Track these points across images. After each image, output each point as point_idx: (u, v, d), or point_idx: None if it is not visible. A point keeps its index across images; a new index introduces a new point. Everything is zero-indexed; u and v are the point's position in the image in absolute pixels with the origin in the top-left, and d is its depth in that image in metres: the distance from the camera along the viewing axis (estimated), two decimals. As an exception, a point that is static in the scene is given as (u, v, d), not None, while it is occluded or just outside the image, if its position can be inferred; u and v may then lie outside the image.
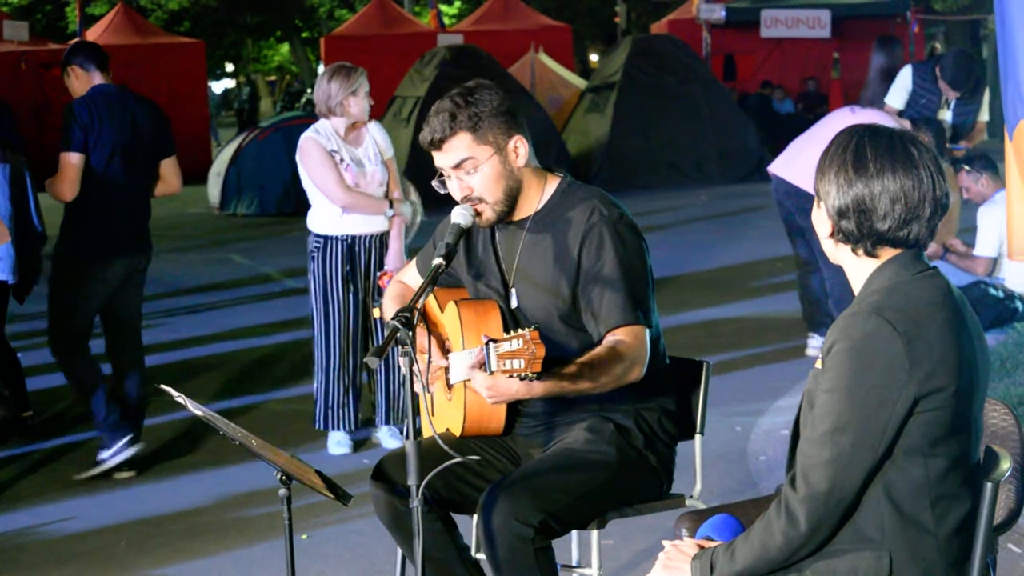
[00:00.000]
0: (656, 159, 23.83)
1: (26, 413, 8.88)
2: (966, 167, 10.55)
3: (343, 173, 7.94)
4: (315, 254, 8.12)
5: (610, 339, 4.44)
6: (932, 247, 10.33)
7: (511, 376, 3.95)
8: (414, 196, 8.44)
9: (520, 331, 3.92)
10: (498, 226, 4.74)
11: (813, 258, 9.86)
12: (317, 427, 8.29)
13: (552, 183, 4.70)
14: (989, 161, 10.45)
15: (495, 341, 3.96)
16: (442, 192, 4.66)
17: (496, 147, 4.55)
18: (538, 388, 4.19)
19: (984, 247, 10.27)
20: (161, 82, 29.23)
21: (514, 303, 4.68)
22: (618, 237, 4.52)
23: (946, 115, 11.37)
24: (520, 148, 4.59)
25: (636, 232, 4.60)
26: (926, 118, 10.78)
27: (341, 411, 8.19)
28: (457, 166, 4.55)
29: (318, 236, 8.13)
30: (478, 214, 4.59)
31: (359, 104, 7.99)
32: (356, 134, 8.12)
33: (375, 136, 8.17)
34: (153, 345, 11.74)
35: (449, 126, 4.51)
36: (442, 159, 4.57)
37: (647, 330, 4.48)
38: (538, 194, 4.67)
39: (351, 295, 8.10)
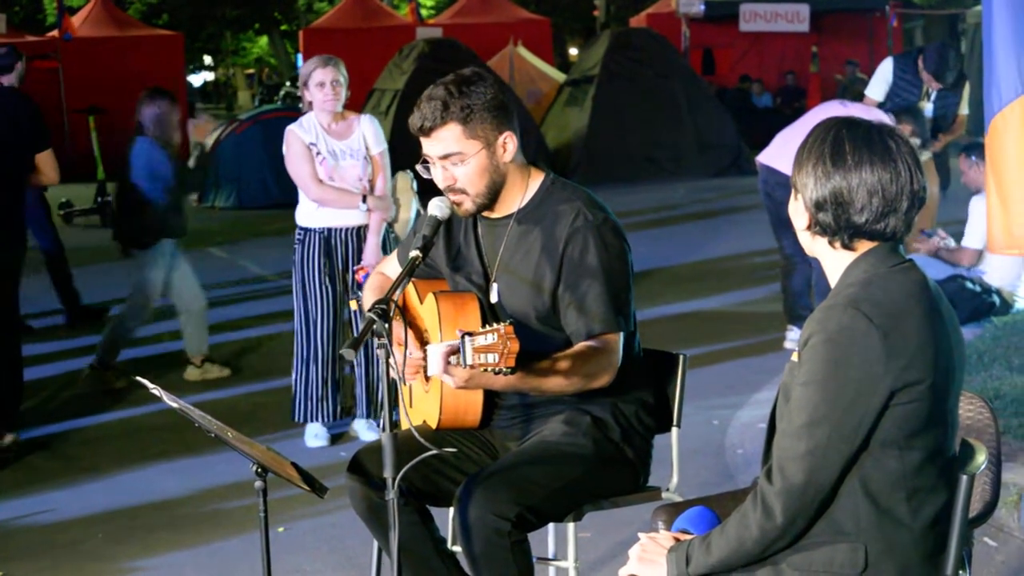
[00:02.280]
0: (634, 152, 23.83)
1: None
2: (965, 152, 10.60)
3: (317, 166, 7.96)
4: (296, 247, 8.16)
5: (584, 344, 4.44)
6: (926, 244, 10.39)
7: (485, 370, 3.95)
8: (410, 193, 8.44)
9: (495, 325, 3.91)
10: (481, 220, 4.73)
11: (798, 250, 9.84)
12: (295, 419, 8.28)
13: (536, 179, 4.69)
14: None
15: (471, 335, 3.96)
16: (425, 176, 4.64)
17: (485, 142, 4.52)
18: (504, 380, 4.16)
19: (972, 238, 10.28)
20: (139, 74, 29.13)
21: (494, 298, 4.66)
22: (601, 241, 4.51)
23: (927, 107, 11.39)
24: (508, 144, 4.57)
25: (619, 235, 4.59)
26: (907, 108, 10.80)
27: (320, 404, 8.19)
28: (444, 157, 4.54)
29: (300, 229, 8.18)
30: (458, 204, 4.58)
31: (313, 94, 8.01)
32: (345, 126, 8.11)
33: (364, 130, 8.16)
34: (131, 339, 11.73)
35: (440, 115, 4.48)
36: (430, 147, 4.55)
37: (622, 336, 4.48)
38: (522, 190, 4.66)
39: (329, 287, 8.10)
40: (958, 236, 10.58)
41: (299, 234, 8.16)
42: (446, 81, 4.54)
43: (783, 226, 10.01)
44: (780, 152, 9.92)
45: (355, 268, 8.03)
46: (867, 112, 9.90)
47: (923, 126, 10.46)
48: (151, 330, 12.11)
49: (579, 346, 4.43)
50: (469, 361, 3.92)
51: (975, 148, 10.61)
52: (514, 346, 3.88)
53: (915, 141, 9.87)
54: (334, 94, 7.97)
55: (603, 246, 4.50)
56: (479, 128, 4.50)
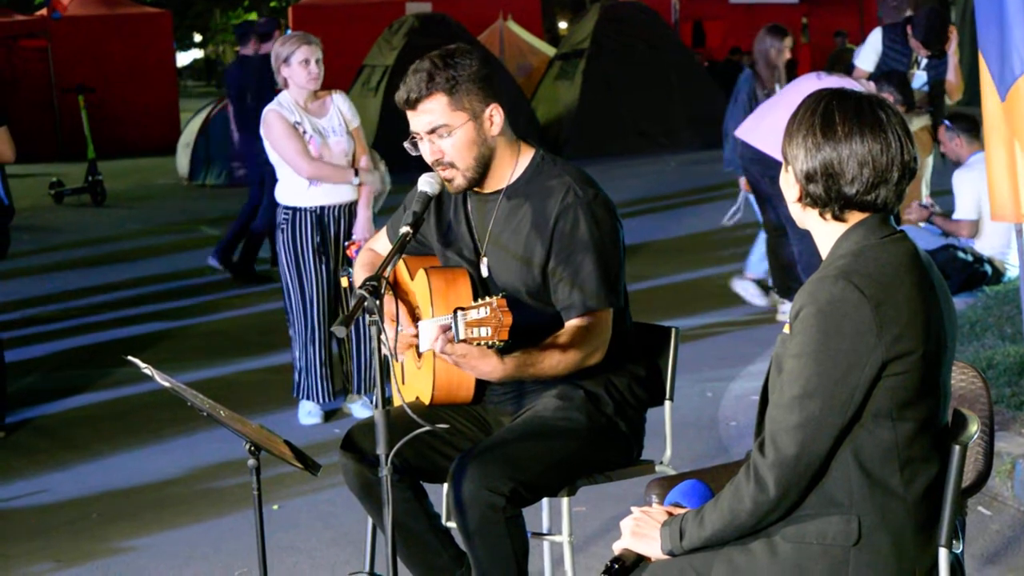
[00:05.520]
0: (625, 126, 23.80)
1: None
2: (946, 123, 10.57)
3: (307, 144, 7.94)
4: (284, 226, 8.08)
5: (575, 323, 4.44)
6: (918, 211, 10.41)
7: (478, 344, 3.94)
8: (382, 167, 8.41)
9: (488, 299, 3.91)
10: (471, 196, 4.72)
11: (781, 224, 9.85)
12: (295, 396, 8.25)
13: (526, 155, 4.68)
14: (971, 123, 10.30)
15: (463, 309, 3.95)
16: (413, 154, 4.63)
17: (472, 113, 4.52)
18: (499, 372, 4.19)
19: (964, 210, 10.26)
20: (128, 53, 29.08)
21: (484, 273, 4.66)
22: (592, 218, 4.51)
23: (918, 74, 11.34)
24: (496, 116, 4.56)
25: (611, 211, 4.58)
26: (887, 73, 10.77)
27: (322, 382, 8.16)
28: (431, 131, 4.52)
29: (286, 208, 8.09)
30: (448, 180, 4.57)
31: (296, 72, 7.95)
32: (320, 104, 8.10)
33: (340, 106, 8.15)
34: (122, 318, 11.73)
35: (426, 86, 4.48)
36: (416, 121, 4.54)
37: (612, 313, 4.49)
38: (511, 165, 4.65)
39: (323, 266, 8.07)
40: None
41: (285, 214, 8.07)
42: (431, 55, 4.54)
43: (763, 200, 10.02)
44: (755, 127, 9.90)
45: (347, 244, 8.00)
46: (845, 84, 9.87)
47: (907, 92, 10.43)
48: (141, 310, 12.11)
49: (569, 328, 4.43)
50: (461, 336, 3.92)
51: (957, 120, 10.57)
52: (507, 319, 3.88)
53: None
54: (318, 72, 7.95)
55: (594, 222, 4.50)
56: (465, 99, 4.49)
